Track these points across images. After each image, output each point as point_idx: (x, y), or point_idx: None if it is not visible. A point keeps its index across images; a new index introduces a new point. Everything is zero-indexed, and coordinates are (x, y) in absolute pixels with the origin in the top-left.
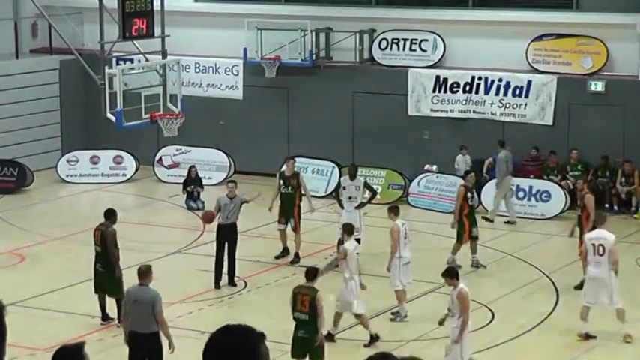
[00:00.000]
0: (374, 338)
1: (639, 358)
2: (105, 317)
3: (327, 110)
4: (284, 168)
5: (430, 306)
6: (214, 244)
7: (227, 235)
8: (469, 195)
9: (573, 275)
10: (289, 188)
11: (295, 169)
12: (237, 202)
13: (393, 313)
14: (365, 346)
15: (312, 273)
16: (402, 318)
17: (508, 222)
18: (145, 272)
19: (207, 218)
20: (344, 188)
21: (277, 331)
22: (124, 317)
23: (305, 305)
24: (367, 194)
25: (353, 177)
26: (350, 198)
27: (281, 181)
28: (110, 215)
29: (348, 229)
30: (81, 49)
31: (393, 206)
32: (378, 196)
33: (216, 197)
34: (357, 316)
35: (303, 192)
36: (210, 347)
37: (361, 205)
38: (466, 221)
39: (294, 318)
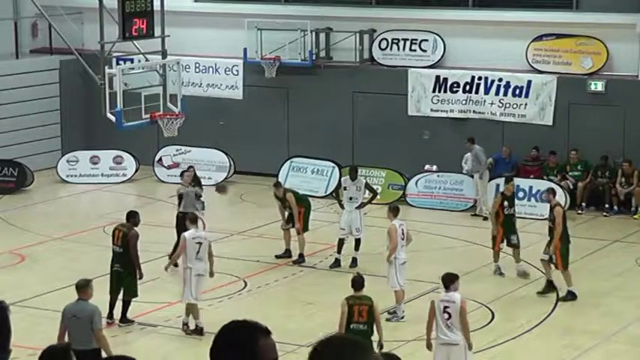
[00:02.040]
0: (197, 330)
1: (639, 358)
2: (110, 317)
3: (327, 110)
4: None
5: (429, 306)
6: (174, 231)
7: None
8: (505, 203)
9: (573, 276)
10: (288, 208)
11: (286, 186)
12: (192, 191)
13: (390, 313)
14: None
15: (359, 282)
16: (398, 318)
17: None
18: (83, 287)
19: (221, 190)
20: (345, 188)
21: (277, 331)
22: (60, 336)
23: (363, 316)
24: (368, 194)
25: (354, 178)
26: (351, 198)
27: (279, 203)
28: (131, 217)
29: (191, 219)
30: (81, 49)
31: (393, 206)
32: (378, 196)
33: (215, 197)
34: (190, 305)
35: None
36: (214, 341)
37: (361, 206)
38: (500, 229)
39: (351, 330)
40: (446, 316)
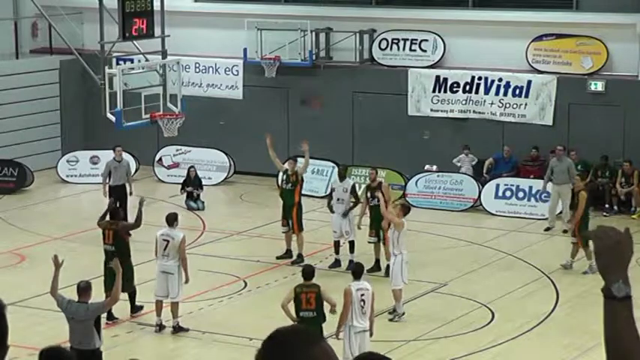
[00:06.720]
0: (162, 327)
1: None
2: (110, 317)
3: (327, 110)
4: (287, 165)
5: (430, 306)
6: (107, 201)
7: (119, 195)
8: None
9: (573, 275)
10: (289, 185)
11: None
12: (125, 165)
13: (390, 313)
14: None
15: (309, 272)
16: (400, 317)
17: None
18: (84, 289)
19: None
20: (333, 190)
21: None
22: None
23: (311, 303)
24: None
25: (342, 178)
26: (338, 199)
27: (284, 176)
28: (116, 215)
29: (168, 218)
30: (81, 49)
31: (407, 206)
32: (375, 205)
33: (215, 197)
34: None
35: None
36: (263, 349)
37: (345, 214)
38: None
39: (300, 318)
40: (362, 304)
